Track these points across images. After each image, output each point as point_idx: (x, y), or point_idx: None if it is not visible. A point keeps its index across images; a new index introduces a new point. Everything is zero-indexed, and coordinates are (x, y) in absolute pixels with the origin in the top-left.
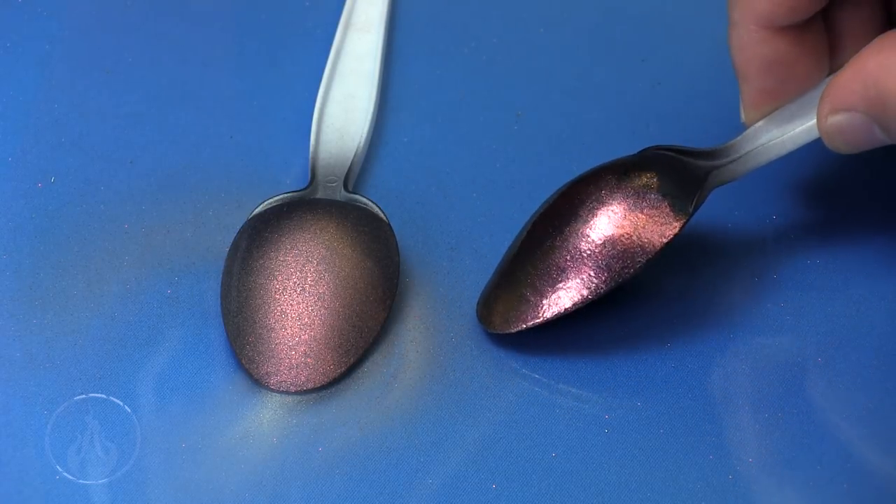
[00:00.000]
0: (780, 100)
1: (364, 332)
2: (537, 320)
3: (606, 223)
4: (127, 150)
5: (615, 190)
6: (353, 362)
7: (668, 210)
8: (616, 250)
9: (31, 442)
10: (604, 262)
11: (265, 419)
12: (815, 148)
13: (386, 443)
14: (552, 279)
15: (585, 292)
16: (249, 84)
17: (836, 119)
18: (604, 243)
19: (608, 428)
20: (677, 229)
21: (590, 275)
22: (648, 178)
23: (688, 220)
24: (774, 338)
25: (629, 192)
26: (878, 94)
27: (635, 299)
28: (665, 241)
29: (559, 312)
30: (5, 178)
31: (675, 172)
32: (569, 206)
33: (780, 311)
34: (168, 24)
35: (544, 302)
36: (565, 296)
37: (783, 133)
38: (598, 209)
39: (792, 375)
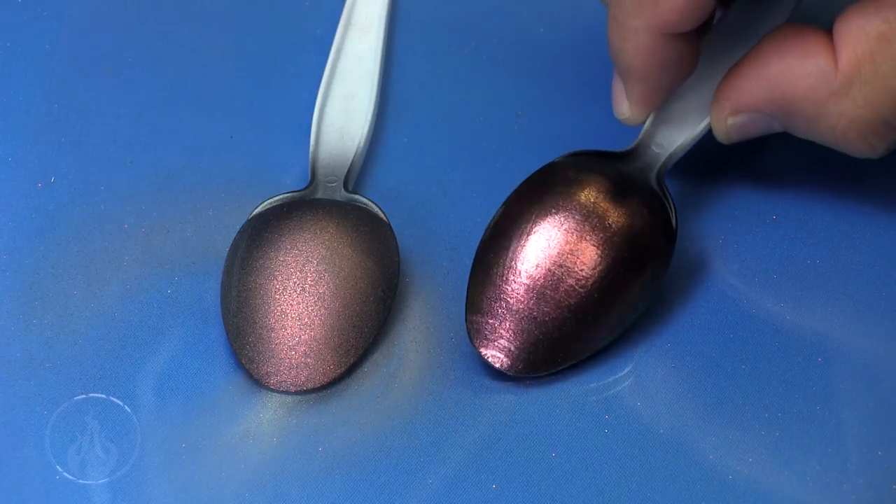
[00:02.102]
0: (670, 93)
1: (364, 332)
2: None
3: (615, 273)
4: (127, 150)
5: (605, 233)
6: (353, 362)
7: (659, 236)
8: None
9: (31, 442)
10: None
11: (265, 419)
12: (814, 149)
13: (386, 443)
14: (593, 322)
15: (597, 348)
16: (249, 84)
17: (738, 120)
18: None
19: (608, 428)
20: (671, 255)
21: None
22: (634, 210)
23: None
24: (774, 338)
25: (617, 230)
26: (785, 98)
27: None
28: (667, 265)
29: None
30: (5, 178)
31: (634, 190)
32: (567, 250)
33: (780, 310)
34: (168, 24)
35: (582, 346)
36: (603, 335)
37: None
38: (606, 256)
39: (792, 375)
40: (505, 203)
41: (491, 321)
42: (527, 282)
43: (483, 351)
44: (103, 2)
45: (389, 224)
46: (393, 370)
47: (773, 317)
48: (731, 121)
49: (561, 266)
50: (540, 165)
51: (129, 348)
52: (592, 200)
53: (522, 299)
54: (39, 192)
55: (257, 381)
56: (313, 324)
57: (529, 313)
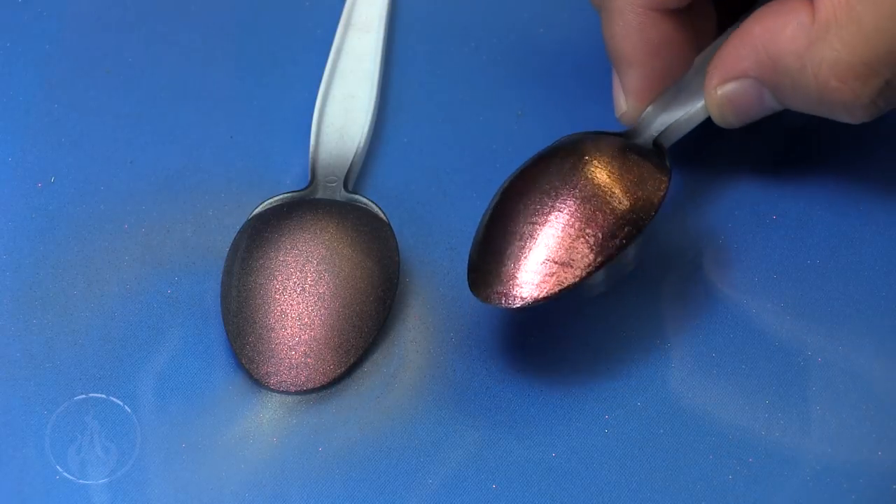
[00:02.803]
0: (664, 85)
1: (364, 332)
2: (567, 284)
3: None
4: (127, 150)
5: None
6: (353, 362)
7: (652, 168)
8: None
9: (31, 442)
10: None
11: (265, 419)
12: (814, 148)
13: (386, 443)
14: (567, 244)
15: (606, 254)
16: (249, 84)
17: (727, 89)
18: (609, 206)
19: (608, 428)
20: (667, 184)
21: (603, 235)
22: (618, 148)
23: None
24: (774, 338)
25: (608, 159)
26: (769, 55)
27: (636, 299)
28: (662, 194)
29: (586, 274)
30: (5, 178)
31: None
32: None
33: (780, 310)
34: (168, 24)
35: (570, 269)
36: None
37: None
38: (588, 176)
39: (792, 375)
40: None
41: (487, 266)
42: (518, 216)
43: (485, 294)
44: (103, 2)
45: (389, 224)
46: (393, 370)
47: (773, 317)
48: (720, 91)
49: (550, 186)
50: None
51: (129, 348)
52: (585, 144)
53: (515, 232)
54: (39, 192)
55: (257, 381)
56: (313, 324)
57: (521, 238)
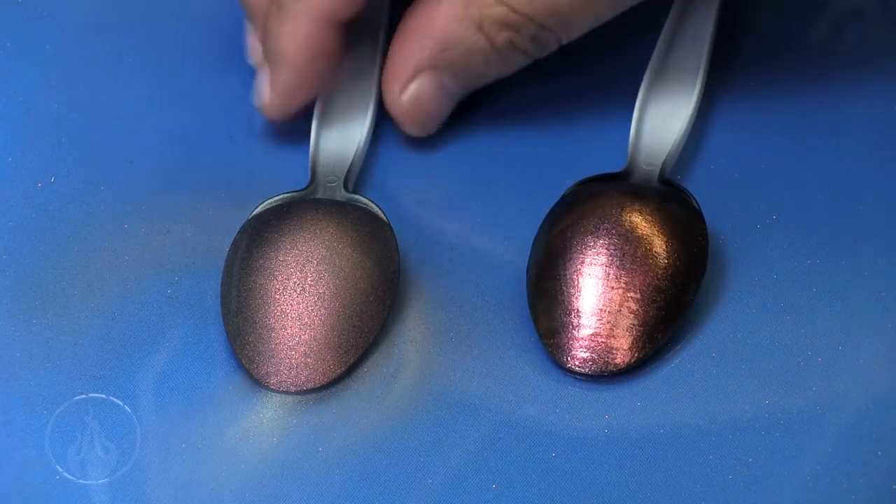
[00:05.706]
0: (315, 92)
1: (364, 332)
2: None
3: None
4: (127, 150)
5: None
6: (353, 362)
7: (699, 235)
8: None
9: (31, 442)
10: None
11: (265, 419)
12: (814, 149)
13: (386, 443)
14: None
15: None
16: (249, 84)
17: (410, 91)
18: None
19: (608, 428)
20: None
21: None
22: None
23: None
24: (774, 337)
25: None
26: (434, 37)
27: None
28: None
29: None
30: (5, 178)
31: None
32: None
33: (780, 310)
34: (168, 24)
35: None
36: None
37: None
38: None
39: (792, 375)
40: (541, 235)
41: (567, 335)
42: (591, 289)
43: (570, 363)
44: (103, 2)
45: (389, 224)
46: (393, 370)
47: (773, 317)
48: (405, 97)
49: (616, 270)
50: (540, 165)
51: (129, 348)
52: (624, 207)
53: (590, 308)
54: (39, 192)
55: (257, 381)
56: (313, 324)
57: (601, 317)
